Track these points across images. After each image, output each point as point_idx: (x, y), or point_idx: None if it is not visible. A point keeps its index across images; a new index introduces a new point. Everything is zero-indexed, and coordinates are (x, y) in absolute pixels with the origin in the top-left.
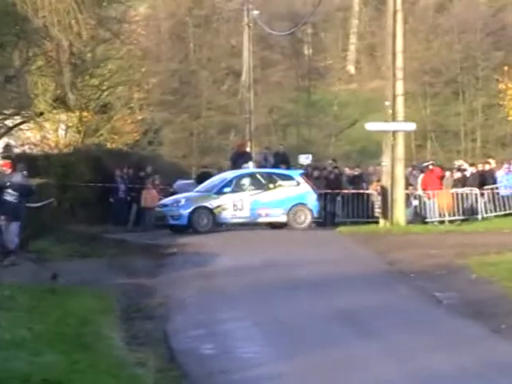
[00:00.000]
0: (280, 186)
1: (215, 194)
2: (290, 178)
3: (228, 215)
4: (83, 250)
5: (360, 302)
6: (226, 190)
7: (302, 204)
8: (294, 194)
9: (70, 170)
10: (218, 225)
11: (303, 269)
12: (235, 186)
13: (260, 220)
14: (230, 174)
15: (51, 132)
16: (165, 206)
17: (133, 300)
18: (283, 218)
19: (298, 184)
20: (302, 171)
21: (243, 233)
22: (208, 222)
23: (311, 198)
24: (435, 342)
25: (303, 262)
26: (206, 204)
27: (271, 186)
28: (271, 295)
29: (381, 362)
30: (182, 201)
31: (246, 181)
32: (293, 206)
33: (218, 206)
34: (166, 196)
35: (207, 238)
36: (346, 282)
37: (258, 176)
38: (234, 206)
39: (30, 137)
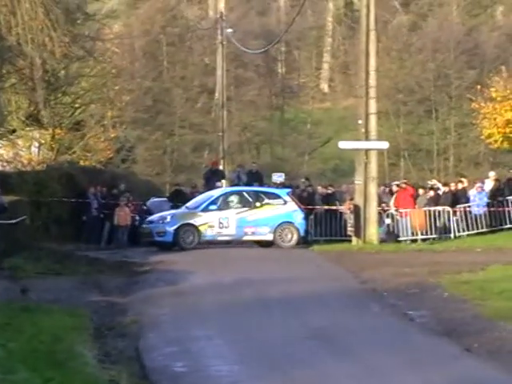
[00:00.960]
0: (267, 204)
1: (201, 211)
2: (277, 196)
3: (214, 233)
4: (56, 267)
5: (333, 320)
6: (212, 207)
7: (289, 223)
8: (280, 213)
9: (43, 188)
10: (203, 242)
11: (276, 287)
12: (221, 203)
13: (246, 238)
14: (216, 192)
15: (24, 149)
16: (151, 222)
17: (106, 318)
18: (270, 237)
19: (285, 203)
20: (289, 190)
21: (217, 250)
22: (194, 239)
23: (298, 217)
24: (408, 361)
25: (276, 280)
26: (192, 221)
27: (258, 204)
28: (244, 313)
29: (354, 380)
30: (168, 218)
31: (232, 198)
32: (279, 224)
33: (204, 224)
34: (140, 214)
35: (181, 256)
36: (318, 300)
37: (245, 194)
38: (220, 223)
39: (2, 154)
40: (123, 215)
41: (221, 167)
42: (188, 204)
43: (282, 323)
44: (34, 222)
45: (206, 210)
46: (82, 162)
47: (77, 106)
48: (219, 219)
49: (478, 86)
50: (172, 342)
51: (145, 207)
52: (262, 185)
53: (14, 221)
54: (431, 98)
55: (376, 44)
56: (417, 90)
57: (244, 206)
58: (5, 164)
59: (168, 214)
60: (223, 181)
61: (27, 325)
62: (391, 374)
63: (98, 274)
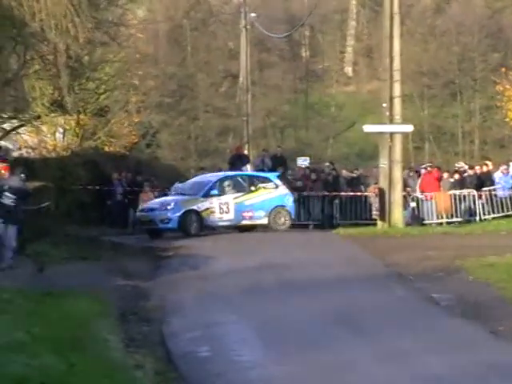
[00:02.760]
0: (261, 188)
1: (202, 196)
2: (268, 180)
3: (215, 218)
4: (80, 252)
5: (358, 304)
6: (213, 192)
7: (281, 206)
8: (273, 196)
9: (68, 174)
10: (206, 228)
11: (300, 271)
12: (220, 188)
13: (244, 222)
14: (213, 177)
15: (49, 135)
16: (151, 210)
17: (130, 302)
18: (265, 221)
19: (277, 186)
20: (279, 173)
21: (238, 235)
22: (197, 225)
23: (289, 200)
24: (433, 344)
25: (300, 264)
26: (195, 207)
27: (253, 188)
28: (267, 297)
29: (379, 364)
30: (172, 204)
31: (228, 183)
32: (273, 208)
33: (207, 209)
34: None
35: (201, 241)
36: (343, 284)
37: (240, 179)
38: (220, 208)
39: (27, 140)
40: (147, 201)
41: (245, 152)
42: (176, 187)
43: (306, 307)
44: (58, 208)
45: (206, 195)
46: (106, 148)
47: (101, 91)
48: (219, 204)
49: (503, 69)
50: (196, 326)
51: (169, 193)
52: (286, 169)
53: (38, 206)
54: (456, 81)
55: (400, 27)
56: (441, 73)
57: (240, 191)
58: (30, 150)
59: (170, 200)
60: (248, 165)
61: (52, 310)
62: (416, 358)
63: (122, 258)
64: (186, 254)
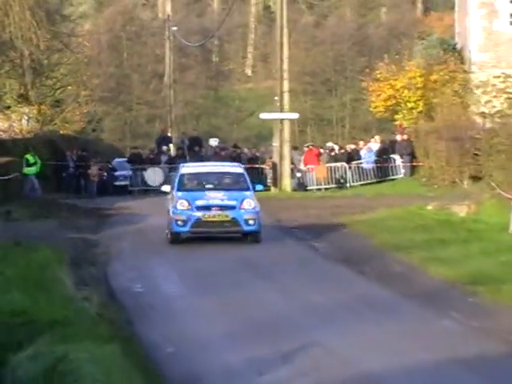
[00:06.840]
0: None
1: None
2: None
3: None
4: (42, 212)
5: (254, 252)
6: None
7: None
8: None
9: (32, 151)
10: None
11: None
12: None
13: None
14: None
15: (16, 121)
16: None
17: (81, 251)
18: None
19: None
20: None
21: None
22: None
23: None
24: (313, 281)
25: None
26: None
27: None
28: (191, 247)
29: (273, 297)
30: None
31: None
32: None
33: None
34: (107, 171)
35: (141, 202)
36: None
37: None
38: None
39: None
40: (93, 172)
41: (169, 134)
42: None
43: (219, 254)
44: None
45: None
46: (61, 131)
47: (57, 87)
48: None
49: (367, 70)
50: (133, 268)
51: (110, 165)
52: (201, 148)
53: (8, 176)
54: (331, 80)
55: (288, 38)
56: (320, 73)
57: None
58: (1, 133)
59: None
60: (171, 145)
61: (20, 257)
62: (301, 292)
63: (76, 217)
64: (126, 213)
